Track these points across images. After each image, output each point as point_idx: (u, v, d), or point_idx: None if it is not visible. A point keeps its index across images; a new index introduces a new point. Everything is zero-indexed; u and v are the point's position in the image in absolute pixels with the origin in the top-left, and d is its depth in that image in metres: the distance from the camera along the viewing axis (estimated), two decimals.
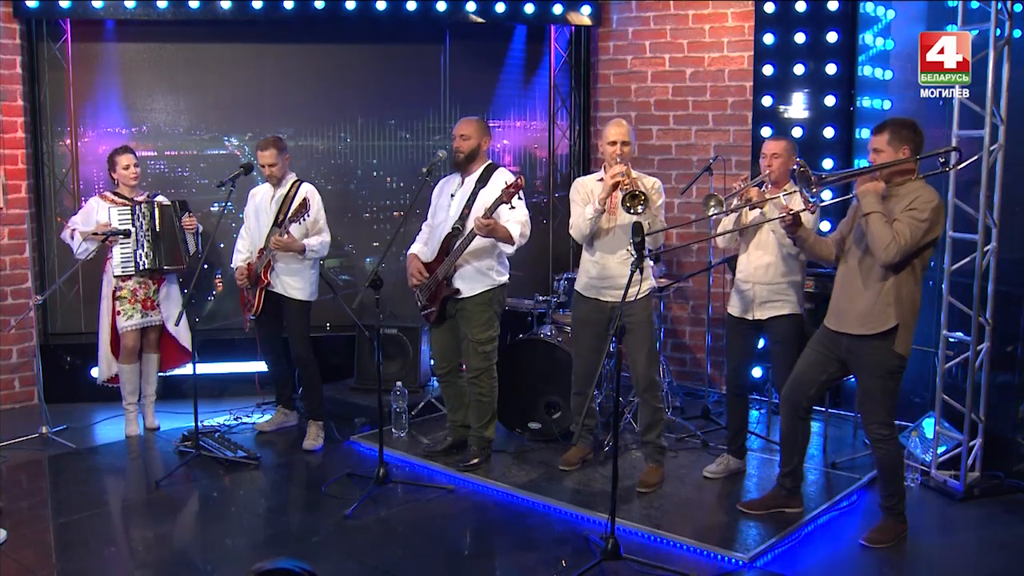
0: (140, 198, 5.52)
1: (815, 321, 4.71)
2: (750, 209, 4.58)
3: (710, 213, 4.60)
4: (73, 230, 5.41)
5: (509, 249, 4.76)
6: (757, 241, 4.61)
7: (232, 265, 5.53)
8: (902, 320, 3.87)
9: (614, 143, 4.54)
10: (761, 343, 5.03)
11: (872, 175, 3.93)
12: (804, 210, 4.12)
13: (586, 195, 4.65)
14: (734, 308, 4.73)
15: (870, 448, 4.19)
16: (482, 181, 4.79)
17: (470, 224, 4.65)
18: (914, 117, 4.06)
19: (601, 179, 4.57)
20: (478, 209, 4.66)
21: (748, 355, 4.83)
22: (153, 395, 5.68)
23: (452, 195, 4.87)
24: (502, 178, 4.73)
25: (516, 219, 4.65)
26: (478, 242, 4.69)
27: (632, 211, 4.28)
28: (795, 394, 4.22)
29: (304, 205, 5.04)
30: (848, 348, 4.01)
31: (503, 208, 4.56)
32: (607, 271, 4.62)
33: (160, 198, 5.60)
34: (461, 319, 4.87)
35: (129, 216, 5.41)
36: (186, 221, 5.49)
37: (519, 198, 4.56)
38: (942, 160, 3.95)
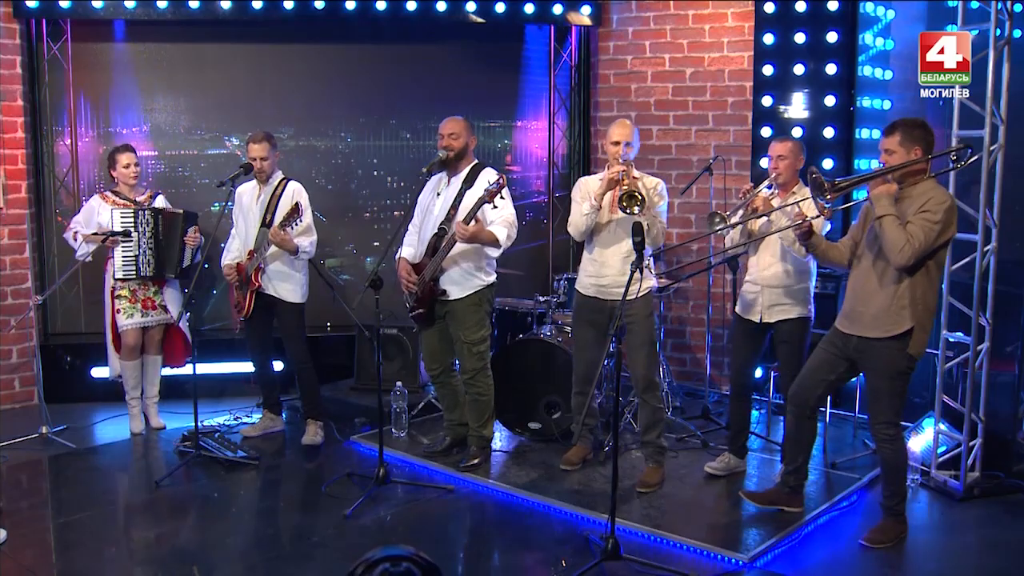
0: (141, 198, 5.53)
1: (818, 322, 4.71)
2: (758, 217, 4.56)
3: (716, 229, 4.57)
4: (76, 232, 5.43)
5: (495, 252, 4.75)
6: (766, 244, 4.58)
7: (221, 263, 5.48)
8: (918, 322, 3.86)
9: (617, 143, 4.54)
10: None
11: (884, 177, 3.92)
12: (818, 216, 4.10)
13: (587, 194, 4.63)
14: (742, 309, 4.71)
15: (874, 447, 4.19)
16: (468, 182, 4.75)
17: (455, 226, 4.62)
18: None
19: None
20: (463, 210, 4.62)
21: (753, 356, 4.81)
22: (156, 396, 5.69)
23: (438, 194, 4.83)
24: (486, 178, 4.68)
25: (501, 220, 4.62)
26: (464, 244, 4.66)
27: (628, 211, 4.27)
28: (803, 392, 4.21)
29: (296, 210, 5.01)
30: (857, 347, 4.00)
31: (487, 208, 4.55)
32: (605, 268, 4.61)
33: (160, 198, 5.61)
34: (451, 321, 4.84)
35: (132, 219, 5.40)
36: (190, 236, 5.49)
37: (501, 197, 4.53)
38: (954, 158, 3.93)
